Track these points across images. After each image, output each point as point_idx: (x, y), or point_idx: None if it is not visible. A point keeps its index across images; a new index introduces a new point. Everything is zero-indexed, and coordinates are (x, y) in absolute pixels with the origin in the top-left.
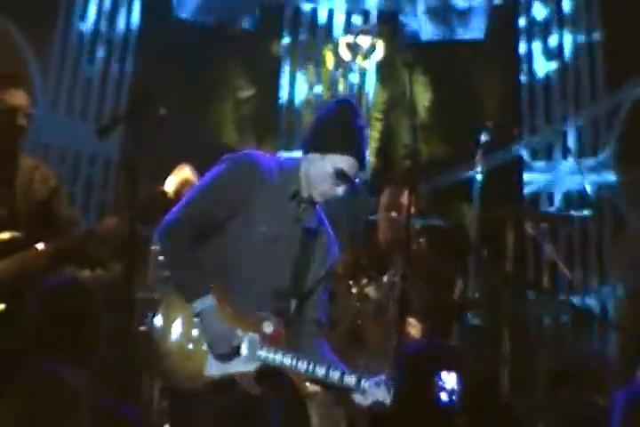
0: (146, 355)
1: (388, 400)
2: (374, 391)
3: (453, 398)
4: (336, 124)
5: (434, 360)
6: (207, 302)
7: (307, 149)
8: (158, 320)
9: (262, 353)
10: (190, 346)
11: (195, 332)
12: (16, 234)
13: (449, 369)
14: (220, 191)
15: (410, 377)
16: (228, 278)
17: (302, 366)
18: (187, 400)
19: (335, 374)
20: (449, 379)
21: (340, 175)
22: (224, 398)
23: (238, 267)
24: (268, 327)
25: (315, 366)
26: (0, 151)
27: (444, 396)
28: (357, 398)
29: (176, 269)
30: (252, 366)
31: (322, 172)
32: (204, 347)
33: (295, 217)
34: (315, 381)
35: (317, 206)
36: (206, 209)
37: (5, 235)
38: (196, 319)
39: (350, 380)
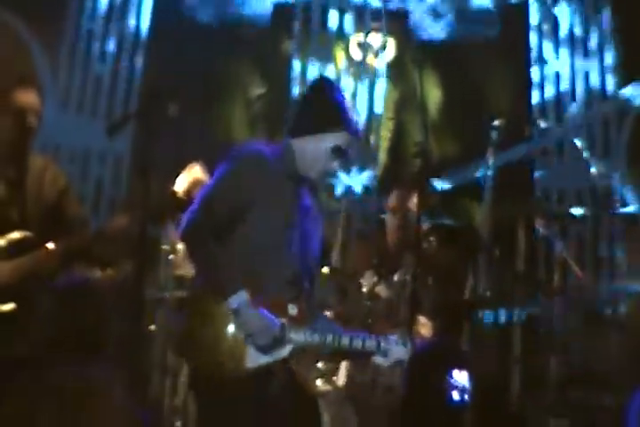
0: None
1: (406, 357)
2: (394, 350)
3: (465, 396)
4: (322, 104)
5: (445, 359)
6: (242, 297)
7: (299, 133)
8: (191, 319)
9: (293, 336)
10: (228, 342)
11: (231, 328)
12: (27, 234)
13: (460, 368)
14: (235, 188)
15: (421, 376)
16: (252, 269)
17: (329, 340)
18: (228, 396)
19: (358, 342)
20: (460, 377)
21: (337, 151)
22: (265, 388)
23: (260, 256)
24: (293, 310)
25: (340, 338)
26: (10, 151)
27: (455, 395)
28: (379, 360)
29: (206, 269)
30: (286, 351)
31: (319, 151)
32: (243, 340)
33: (294, 198)
34: (340, 353)
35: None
36: (225, 206)
37: (16, 235)
38: (232, 315)
39: (372, 344)
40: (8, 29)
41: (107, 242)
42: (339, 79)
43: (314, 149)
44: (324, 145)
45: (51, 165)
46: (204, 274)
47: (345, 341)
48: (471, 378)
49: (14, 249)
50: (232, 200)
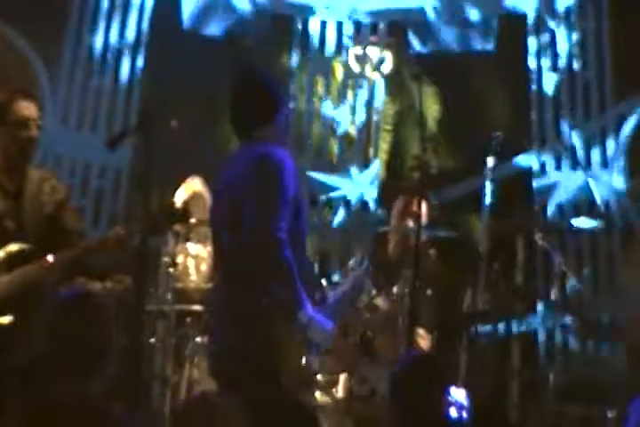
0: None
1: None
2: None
3: (463, 413)
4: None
5: (442, 374)
6: (309, 306)
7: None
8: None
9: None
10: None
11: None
12: (24, 246)
13: (457, 384)
14: (289, 197)
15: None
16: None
17: None
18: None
19: None
20: (458, 394)
21: None
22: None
23: (305, 259)
24: None
25: None
26: (10, 163)
27: (453, 412)
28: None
29: (291, 286)
30: None
31: None
32: (307, 348)
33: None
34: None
35: None
36: (290, 217)
37: (14, 247)
38: (301, 326)
39: None
40: (8, 43)
41: (99, 255)
42: (338, 92)
43: None
44: None
45: (49, 178)
46: (285, 291)
47: None
48: (469, 395)
49: (13, 261)
50: (292, 211)
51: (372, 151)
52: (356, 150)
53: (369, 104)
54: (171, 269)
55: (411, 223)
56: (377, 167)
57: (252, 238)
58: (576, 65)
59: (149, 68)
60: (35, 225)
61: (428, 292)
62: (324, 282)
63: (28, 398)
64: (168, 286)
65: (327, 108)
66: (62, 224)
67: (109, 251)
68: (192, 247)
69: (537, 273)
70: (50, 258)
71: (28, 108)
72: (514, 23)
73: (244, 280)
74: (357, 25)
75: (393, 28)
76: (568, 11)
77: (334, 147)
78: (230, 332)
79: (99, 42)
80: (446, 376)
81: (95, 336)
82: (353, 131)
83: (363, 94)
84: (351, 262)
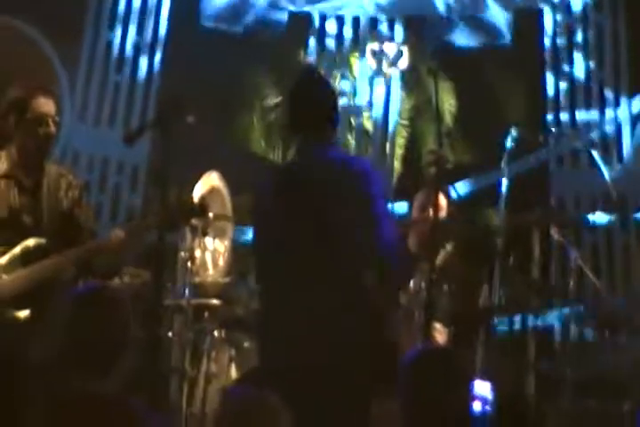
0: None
1: None
2: None
3: (487, 407)
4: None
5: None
6: None
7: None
8: None
9: None
10: None
11: None
12: (41, 241)
13: (481, 378)
14: None
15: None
16: None
17: None
18: None
19: None
20: (482, 388)
21: None
22: None
23: None
24: None
25: None
26: (28, 159)
27: (477, 406)
28: None
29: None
30: None
31: None
32: None
33: None
34: None
35: None
36: None
37: (31, 242)
38: None
39: None
40: (28, 40)
41: (106, 254)
42: (354, 87)
43: None
44: None
45: (66, 174)
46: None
47: None
48: (494, 388)
49: (29, 256)
50: None
51: (388, 146)
52: (373, 145)
53: (386, 99)
54: (188, 264)
55: (430, 217)
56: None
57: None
58: (592, 60)
59: (167, 64)
60: (51, 221)
61: (445, 286)
62: None
63: (45, 393)
64: (186, 280)
65: (344, 103)
66: (76, 221)
67: (110, 252)
68: (210, 242)
69: (553, 268)
70: (66, 253)
71: (46, 105)
72: (529, 18)
73: None
74: (374, 21)
75: (410, 24)
76: (584, 5)
77: (351, 142)
78: None
79: (117, 39)
80: (467, 370)
81: (112, 331)
82: (370, 126)
83: (379, 90)
84: None
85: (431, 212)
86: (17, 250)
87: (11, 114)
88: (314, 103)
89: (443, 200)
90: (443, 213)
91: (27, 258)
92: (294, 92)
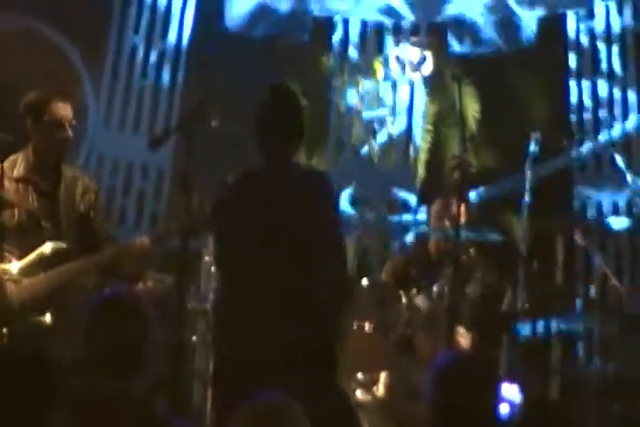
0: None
1: None
2: None
3: (514, 410)
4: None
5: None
6: None
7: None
8: None
9: None
10: None
11: None
12: (61, 245)
13: (509, 381)
14: None
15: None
16: None
17: None
18: None
19: None
20: (510, 391)
21: None
22: None
23: None
24: None
25: None
26: (45, 163)
27: (504, 408)
28: None
29: None
30: None
31: None
32: None
33: None
34: None
35: None
36: None
37: (50, 246)
38: None
39: None
40: (54, 45)
41: (128, 260)
42: (378, 93)
43: None
44: None
45: (81, 177)
46: None
47: None
48: (522, 391)
49: (49, 260)
50: None
51: (412, 151)
52: (397, 150)
53: (409, 105)
54: (212, 269)
55: (448, 223)
56: None
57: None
58: (616, 64)
59: (191, 70)
60: (68, 224)
61: (468, 291)
62: (364, 281)
63: (70, 397)
64: (209, 284)
65: (368, 108)
66: (92, 225)
67: (134, 258)
68: None
69: (576, 273)
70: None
71: (64, 109)
72: (553, 22)
73: None
74: (398, 26)
75: (433, 29)
76: (607, 9)
77: (375, 147)
78: None
79: (141, 44)
80: (494, 375)
81: (136, 336)
82: (393, 131)
83: (403, 95)
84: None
85: (450, 219)
86: (35, 254)
87: (28, 117)
88: (286, 115)
89: (463, 207)
90: (463, 220)
91: (46, 262)
92: (268, 105)
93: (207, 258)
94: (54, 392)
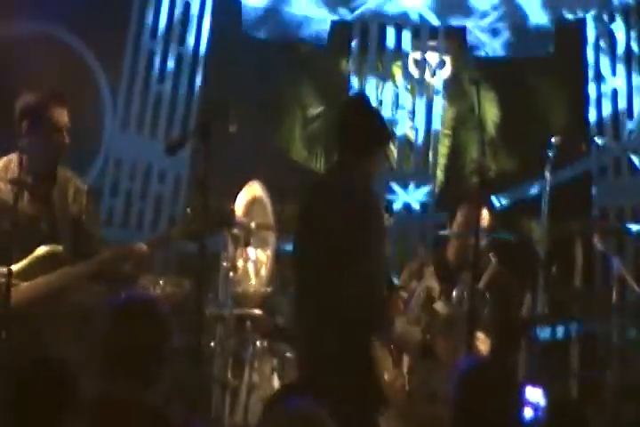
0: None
1: None
2: None
3: (539, 413)
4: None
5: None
6: None
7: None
8: None
9: None
10: None
11: None
12: (56, 248)
13: (533, 384)
14: None
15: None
16: None
17: None
18: None
19: None
20: (534, 394)
21: None
22: None
23: None
24: None
25: None
26: (40, 167)
27: (528, 412)
28: None
29: None
30: None
31: None
32: None
33: None
34: None
35: None
36: None
37: (44, 249)
38: None
39: None
40: (72, 50)
41: (123, 263)
42: (397, 97)
43: None
44: None
45: (71, 178)
46: None
47: None
48: (546, 395)
49: (45, 263)
50: None
51: (431, 155)
52: (416, 155)
53: (428, 109)
54: (230, 274)
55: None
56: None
57: None
58: (634, 68)
59: (209, 74)
60: (63, 227)
61: (488, 295)
62: None
63: (88, 402)
64: (228, 290)
65: (386, 112)
66: (84, 227)
67: (130, 262)
68: (252, 252)
69: (595, 277)
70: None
71: (61, 115)
72: (572, 27)
73: None
74: (417, 30)
75: (452, 33)
76: (626, 13)
77: (393, 151)
78: None
79: (159, 48)
80: (515, 379)
81: (153, 341)
82: (412, 135)
83: (422, 99)
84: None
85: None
86: (31, 257)
87: (24, 120)
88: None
89: (484, 211)
90: (484, 225)
91: (43, 265)
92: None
93: (225, 263)
94: (66, 396)
